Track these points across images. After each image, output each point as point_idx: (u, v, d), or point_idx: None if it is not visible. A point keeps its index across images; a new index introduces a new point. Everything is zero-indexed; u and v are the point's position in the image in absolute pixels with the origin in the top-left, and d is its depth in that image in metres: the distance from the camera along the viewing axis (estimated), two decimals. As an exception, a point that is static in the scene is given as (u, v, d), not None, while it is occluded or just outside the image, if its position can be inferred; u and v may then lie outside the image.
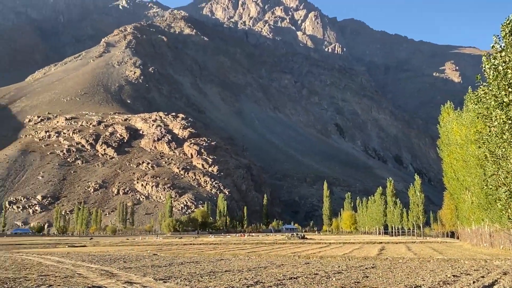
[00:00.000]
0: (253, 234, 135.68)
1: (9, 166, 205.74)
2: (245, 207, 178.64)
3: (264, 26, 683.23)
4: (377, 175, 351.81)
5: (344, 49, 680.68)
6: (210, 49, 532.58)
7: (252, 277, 18.87)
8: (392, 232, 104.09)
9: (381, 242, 60.23)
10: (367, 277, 19.04)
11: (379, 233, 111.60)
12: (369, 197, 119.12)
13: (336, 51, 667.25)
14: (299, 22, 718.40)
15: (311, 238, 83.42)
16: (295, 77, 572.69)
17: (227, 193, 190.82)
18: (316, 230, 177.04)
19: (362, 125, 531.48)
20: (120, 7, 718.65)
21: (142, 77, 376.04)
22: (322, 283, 17.02)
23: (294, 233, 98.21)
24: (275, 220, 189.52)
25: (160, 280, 17.52)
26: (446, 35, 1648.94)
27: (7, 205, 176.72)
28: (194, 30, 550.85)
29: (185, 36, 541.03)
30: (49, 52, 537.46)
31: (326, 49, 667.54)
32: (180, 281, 17.55)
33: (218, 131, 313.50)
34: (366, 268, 22.86)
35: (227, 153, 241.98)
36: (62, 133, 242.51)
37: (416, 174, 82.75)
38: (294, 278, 18.64)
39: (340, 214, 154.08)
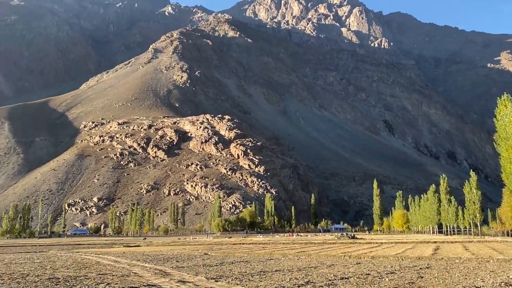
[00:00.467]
0: (302, 234, 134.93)
1: (67, 170, 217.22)
2: (293, 207, 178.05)
3: (308, 24, 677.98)
4: (429, 172, 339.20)
5: (391, 44, 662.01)
6: (254, 50, 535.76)
7: (303, 277, 18.79)
8: (446, 231, 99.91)
9: (435, 242, 57.98)
10: (422, 277, 18.42)
11: (433, 232, 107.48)
12: (422, 195, 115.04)
13: (382, 46, 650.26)
14: (343, 18, 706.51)
15: (361, 238, 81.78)
16: (340, 74, 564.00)
17: (274, 193, 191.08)
18: (366, 229, 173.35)
19: (413, 121, 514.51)
20: (166, 14, 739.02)
21: (189, 81, 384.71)
22: (374, 284, 16.66)
23: (344, 233, 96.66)
24: (323, 219, 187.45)
25: (211, 279, 17.83)
26: (500, 24, 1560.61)
27: (66, 207, 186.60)
28: (238, 33, 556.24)
29: (229, 38, 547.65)
30: (101, 60, 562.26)
31: (372, 45, 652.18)
32: (231, 280, 17.78)
33: (263, 131, 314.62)
34: (421, 269, 22.11)
35: (273, 153, 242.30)
36: (115, 137, 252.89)
37: (471, 171, 78.95)
38: (345, 278, 18.36)
39: (391, 213, 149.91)
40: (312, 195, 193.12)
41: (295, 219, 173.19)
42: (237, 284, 16.56)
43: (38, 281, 18.06)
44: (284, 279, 18.22)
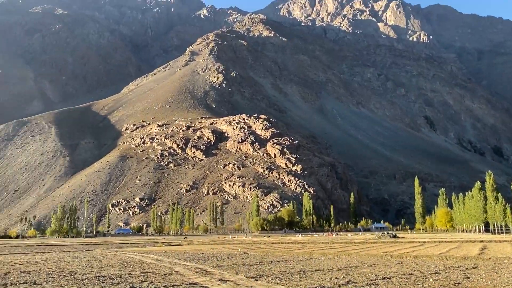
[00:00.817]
0: (341, 233, 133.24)
1: (110, 171, 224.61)
2: (332, 206, 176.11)
3: (343, 20, 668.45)
4: (474, 169, 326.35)
5: (431, 37, 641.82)
6: (288, 49, 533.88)
7: (343, 277, 18.59)
8: (494, 229, 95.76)
9: (482, 241, 55.73)
10: (468, 278, 17.79)
11: (479, 231, 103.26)
12: (466, 193, 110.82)
13: (421, 40, 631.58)
14: (380, 13, 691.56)
15: (403, 237, 79.83)
16: (378, 70, 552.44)
17: (312, 192, 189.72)
18: (408, 228, 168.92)
19: (455, 116, 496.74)
20: (202, 16, 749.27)
21: (225, 81, 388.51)
22: (418, 284, 16.27)
23: (385, 232, 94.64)
24: (363, 218, 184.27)
25: (252, 278, 17.96)
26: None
27: (110, 208, 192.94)
28: (273, 32, 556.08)
29: (264, 38, 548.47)
30: (141, 64, 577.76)
31: (410, 39, 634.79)
32: (271, 279, 17.84)
33: (300, 130, 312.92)
34: (467, 269, 21.34)
35: (310, 151, 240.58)
36: (155, 139, 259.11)
37: (520, 167, 75.25)
38: (387, 278, 18.01)
39: (434, 212, 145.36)
40: (351, 193, 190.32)
41: (334, 218, 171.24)
42: (277, 284, 16.60)
43: (85, 279, 18.81)
44: (324, 278, 18.09)
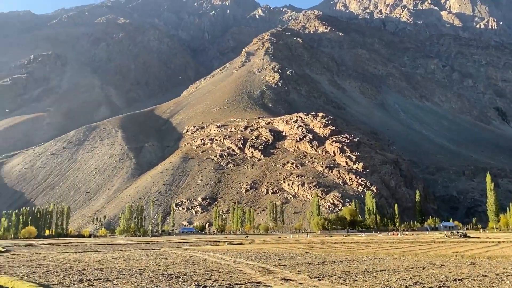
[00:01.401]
0: (407, 232, 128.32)
1: (173, 172, 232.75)
2: (396, 204, 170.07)
3: (403, 11, 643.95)
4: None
5: (500, 23, 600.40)
6: (346, 43, 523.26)
7: (410, 277, 17.82)
8: None
9: None
10: (553, 282, 16.32)
11: None
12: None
13: (490, 27, 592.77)
14: (443, 1, 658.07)
15: (474, 237, 75.29)
16: (442, 61, 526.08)
17: (374, 190, 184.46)
18: (480, 227, 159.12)
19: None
20: (257, 17, 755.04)
21: (281, 80, 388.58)
22: (492, 286, 15.19)
23: (454, 231, 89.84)
24: (430, 217, 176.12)
25: (314, 278, 17.72)
26: None
27: (174, 207, 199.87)
28: (329, 27, 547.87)
29: (320, 34, 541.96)
30: (199, 68, 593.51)
31: (477, 26, 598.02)
32: (335, 279, 17.49)
33: (360, 126, 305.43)
34: (550, 272, 19.61)
35: (372, 148, 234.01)
36: (214, 139, 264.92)
37: None
38: (459, 279, 17.01)
39: (509, 209, 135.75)
40: (417, 191, 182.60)
41: (399, 217, 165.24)
42: (341, 284, 16.23)
43: (153, 276, 19.54)
44: (390, 279, 17.44)
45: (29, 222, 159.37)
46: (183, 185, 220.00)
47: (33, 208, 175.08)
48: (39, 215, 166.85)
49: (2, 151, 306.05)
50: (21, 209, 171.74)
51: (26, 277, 19.25)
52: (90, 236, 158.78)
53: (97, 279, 18.58)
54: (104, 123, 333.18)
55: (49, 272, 22.44)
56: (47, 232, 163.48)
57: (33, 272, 22.13)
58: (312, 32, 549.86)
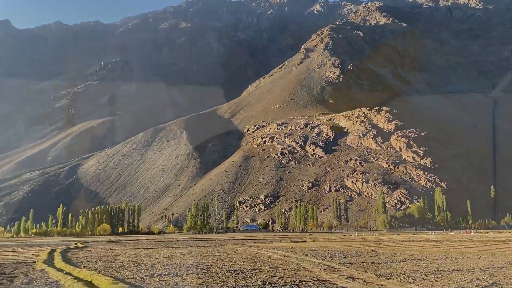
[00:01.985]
0: (481, 230, 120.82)
1: (236, 170, 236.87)
2: (468, 201, 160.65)
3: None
4: None
5: None
6: (409, 34, 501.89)
7: (487, 278, 16.79)
8: None
9: None
10: None
11: None
12: None
13: None
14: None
15: (560, 236, 69.14)
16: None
17: (444, 186, 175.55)
18: None
19: None
20: (315, 12, 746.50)
21: (341, 75, 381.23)
22: None
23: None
24: (508, 215, 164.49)
25: (382, 277, 17.25)
26: None
27: (238, 205, 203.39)
28: (391, 19, 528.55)
29: (381, 26, 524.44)
30: (259, 67, 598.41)
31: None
32: (403, 278, 16.92)
33: (427, 120, 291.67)
34: None
35: (440, 143, 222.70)
36: (275, 138, 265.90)
37: None
38: (544, 282, 15.74)
39: None
40: (491, 187, 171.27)
41: (472, 214, 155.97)
42: (410, 283, 15.66)
43: (219, 272, 20.05)
44: (463, 279, 16.55)
45: (104, 220, 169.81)
46: (245, 183, 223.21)
47: (107, 207, 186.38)
48: (112, 213, 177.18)
49: (78, 153, 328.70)
50: (96, 207, 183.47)
51: (103, 271, 20.55)
52: (159, 233, 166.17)
53: (167, 274, 19.41)
54: (170, 124, 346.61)
55: (123, 267, 23.82)
56: (120, 229, 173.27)
57: (109, 267, 23.59)
58: (373, 25, 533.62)
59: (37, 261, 26.37)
